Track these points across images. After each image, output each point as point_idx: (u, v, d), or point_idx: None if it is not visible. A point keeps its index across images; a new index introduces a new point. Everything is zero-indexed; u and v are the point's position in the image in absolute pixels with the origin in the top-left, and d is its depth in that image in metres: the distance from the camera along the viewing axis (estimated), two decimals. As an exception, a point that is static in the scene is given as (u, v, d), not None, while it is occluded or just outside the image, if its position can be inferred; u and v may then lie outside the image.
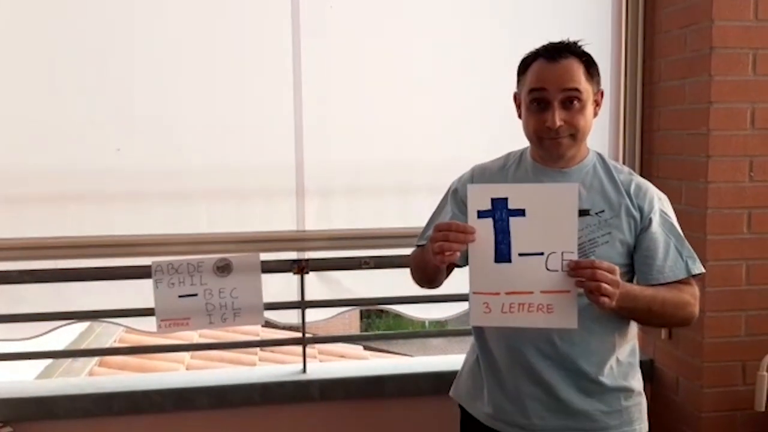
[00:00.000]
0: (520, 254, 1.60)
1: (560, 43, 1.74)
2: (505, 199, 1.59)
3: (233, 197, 2.46)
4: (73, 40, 2.34)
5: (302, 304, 2.53)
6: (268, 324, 2.47)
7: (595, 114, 1.75)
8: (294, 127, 2.46)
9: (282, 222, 2.49)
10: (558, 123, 1.66)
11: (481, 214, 1.60)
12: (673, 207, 2.11)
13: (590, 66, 1.72)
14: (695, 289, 1.75)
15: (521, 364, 1.76)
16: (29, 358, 2.53)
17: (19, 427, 2.32)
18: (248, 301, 2.39)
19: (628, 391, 1.80)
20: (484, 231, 1.60)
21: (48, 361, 3.72)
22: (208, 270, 2.36)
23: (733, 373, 2.38)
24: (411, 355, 4.02)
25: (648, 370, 2.66)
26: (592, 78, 1.72)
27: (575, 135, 1.70)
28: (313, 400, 2.48)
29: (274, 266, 2.45)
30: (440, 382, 2.21)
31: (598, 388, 1.76)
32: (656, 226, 1.73)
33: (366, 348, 5.93)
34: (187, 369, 4.13)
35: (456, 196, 1.86)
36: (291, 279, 2.51)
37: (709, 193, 2.31)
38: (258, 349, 4.81)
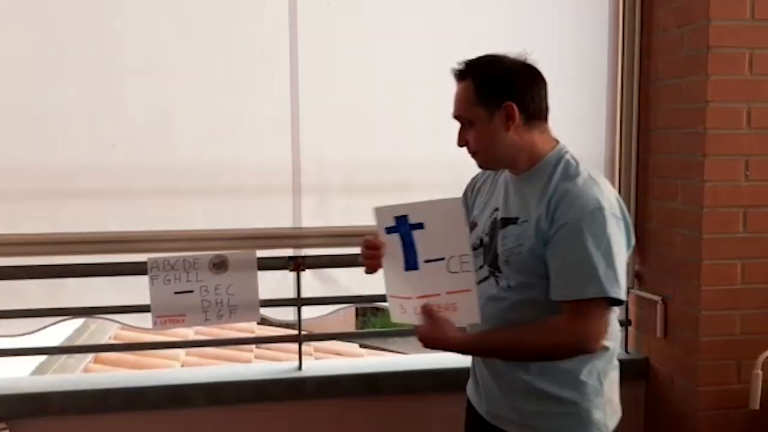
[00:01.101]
0: (425, 261, 1.81)
1: (466, 62, 1.77)
2: (406, 216, 1.83)
3: (230, 194, 2.46)
4: (69, 36, 2.33)
5: (298, 302, 2.53)
6: (264, 321, 2.47)
7: (507, 129, 1.72)
8: (291, 124, 2.46)
9: (278, 219, 2.49)
10: (457, 143, 1.78)
11: (388, 230, 1.85)
12: (669, 205, 2.12)
13: (485, 86, 1.73)
14: (588, 318, 1.63)
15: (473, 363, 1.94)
16: (24, 354, 2.53)
17: (14, 424, 2.31)
18: (244, 298, 2.39)
19: (557, 399, 1.74)
20: (393, 244, 1.84)
21: (42, 358, 3.71)
22: (204, 267, 2.36)
23: (728, 372, 2.38)
24: (406, 353, 4.02)
25: (643, 368, 2.67)
26: (485, 98, 1.72)
27: (477, 153, 1.78)
28: (308, 397, 2.48)
29: (271, 263, 2.45)
30: (435, 379, 2.22)
31: (518, 388, 1.77)
32: (559, 240, 1.65)
33: (362, 346, 5.93)
34: (182, 366, 4.12)
35: (465, 194, 2.01)
36: (287, 276, 2.51)
37: (705, 191, 2.31)
38: (253, 346, 4.81)
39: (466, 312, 1.77)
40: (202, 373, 2.59)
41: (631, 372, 2.68)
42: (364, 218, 2.52)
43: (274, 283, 2.47)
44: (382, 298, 2.57)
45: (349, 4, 2.47)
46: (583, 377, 1.73)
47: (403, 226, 1.83)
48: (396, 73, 2.51)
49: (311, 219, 2.51)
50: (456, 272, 1.78)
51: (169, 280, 2.34)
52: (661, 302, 2.53)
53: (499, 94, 1.72)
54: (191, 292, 2.36)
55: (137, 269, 2.35)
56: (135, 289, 2.37)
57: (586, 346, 1.66)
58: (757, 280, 2.36)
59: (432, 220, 1.80)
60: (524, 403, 1.77)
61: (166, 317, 2.36)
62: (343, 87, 2.48)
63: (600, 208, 1.63)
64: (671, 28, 2.46)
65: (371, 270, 1.86)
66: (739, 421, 2.39)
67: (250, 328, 4.76)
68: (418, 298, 1.82)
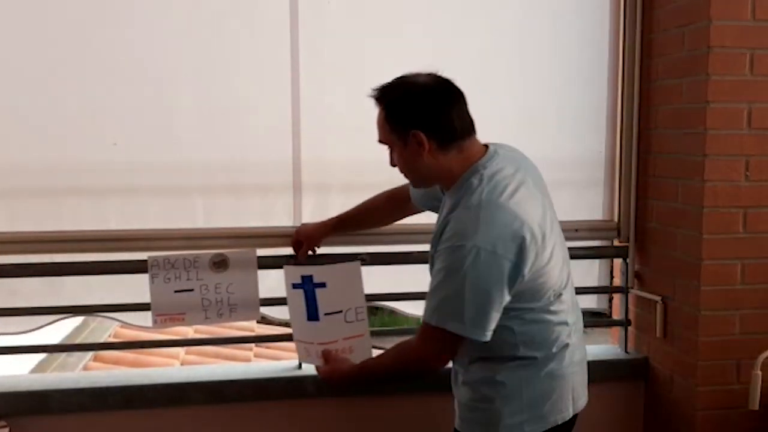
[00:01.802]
0: (325, 314, 2.16)
1: (379, 87, 1.81)
2: (311, 276, 2.16)
3: (230, 192, 2.46)
4: (71, 34, 2.33)
5: (298, 301, 2.53)
6: (264, 320, 2.47)
7: (420, 153, 1.76)
8: (291, 123, 2.46)
9: (279, 218, 2.49)
10: (391, 164, 1.88)
11: (294, 286, 2.19)
12: (669, 205, 2.12)
13: (393, 114, 1.78)
14: (425, 341, 1.79)
15: None
16: (24, 353, 2.52)
17: (14, 422, 2.31)
18: (244, 297, 2.39)
19: (478, 394, 1.87)
20: (298, 298, 2.18)
21: (42, 356, 3.72)
22: (204, 265, 2.36)
23: (727, 372, 2.39)
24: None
25: (643, 368, 2.67)
26: (394, 125, 1.78)
27: (405, 175, 1.89)
28: (308, 396, 2.48)
29: (271, 262, 2.44)
30: (434, 378, 2.20)
31: (459, 380, 1.94)
32: (435, 263, 1.77)
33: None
34: (181, 365, 4.13)
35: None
36: (287, 275, 2.51)
37: (706, 192, 2.31)
38: (253, 344, 4.82)
39: (360, 353, 2.13)
40: (202, 372, 2.60)
41: (631, 372, 2.70)
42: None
43: (275, 282, 2.47)
44: (382, 297, 2.61)
45: (349, 3, 2.47)
46: (500, 378, 1.82)
47: (307, 284, 2.17)
48: (396, 73, 2.51)
49: (311, 218, 2.50)
50: (352, 321, 2.17)
51: (169, 278, 2.34)
52: (660, 302, 2.53)
53: (406, 123, 1.76)
54: (191, 290, 2.36)
55: (137, 267, 2.35)
56: (135, 288, 2.37)
57: (424, 366, 1.83)
58: (757, 281, 2.36)
59: (334, 280, 2.15)
60: (461, 394, 1.93)
61: (166, 315, 2.36)
62: (343, 86, 2.48)
63: (461, 246, 1.66)
64: (672, 28, 2.46)
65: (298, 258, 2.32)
66: (739, 421, 2.40)
67: (250, 327, 4.77)
68: (319, 344, 2.15)
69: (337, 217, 2.33)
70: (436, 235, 1.80)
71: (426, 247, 1.93)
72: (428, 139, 1.75)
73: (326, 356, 2.07)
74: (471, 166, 1.78)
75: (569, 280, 1.91)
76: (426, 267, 1.89)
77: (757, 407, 2.26)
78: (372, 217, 2.37)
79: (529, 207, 1.72)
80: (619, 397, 2.68)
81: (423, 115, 1.75)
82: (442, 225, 1.77)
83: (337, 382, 2.05)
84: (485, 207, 1.69)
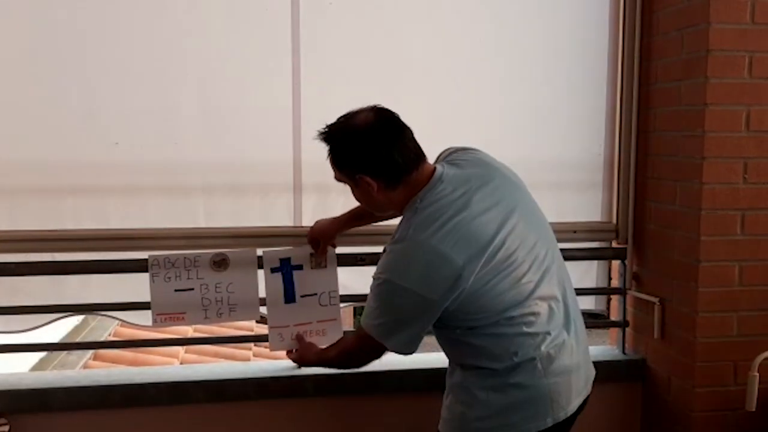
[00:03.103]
0: (302, 296, 2.37)
1: (325, 130, 1.87)
2: (289, 258, 2.37)
3: (231, 192, 2.47)
4: (72, 33, 2.34)
5: (298, 300, 2.54)
6: (263, 319, 2.47)
7: (371, 194, 1.84)
8: (292, 123, 2.47)
9: (279, 218, 2.50)
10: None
11: (273, 270, 2.36)
12: (667, 207, 2.13)
13: (339, 157, 1.86)
14: (358, 346, 1.96)
15: None
16: (24, 351, 2.53)
17: (15, 419, 2.32)
18: (244, 297, 2.40)
19: (455, 396, 1.94)
20: (276, 282, 2.36)
21: (42, 354, 3.72)
22: (204, 264, 2.37)
23: (725, 373, 2.39)
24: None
25: (640, 369, 2.68)
26: (342, 167, 1.87)
27: (365, 207, 2.03)
28: (307, 395, 2.49)
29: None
30: (433, 378, 2.22)
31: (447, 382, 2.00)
32: None
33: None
34: (181, 363, 4.13)
35: None
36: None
37: (704, 193, 2.32)
38: (252, 344, 4.82)
39: (332, 336, 2.37)
40: (202, 370, 2.60)
41: (629, 373, 2.70)
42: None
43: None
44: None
45: (351, 4, 2.48)
46: (469, 384, 1.88)
47: (285, 267, 2.37)
48: (397, 73, 2.52)
49: (311, 217, 2.51)
50: (326, 305, 2.39)
51: (169, 277, 2.35)
52: (658, 303, 2.54)
53: (352, 168, 1.84)
54: (191, 289, 2.37)
55: (138, 266, 2.36)
56: (135, 287, 2.37)
57: (356, 361, 2.04)
58: (755, 282, 2.37)
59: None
60: (444, 396, 1.98)
61: (166, 315, 2.36)
62: (344, 86, 2.48)
63: (381, 280, 1.81)
64: (671, 30, 2.47)
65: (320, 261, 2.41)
66: (736, 422, 2.40)
67: (249, 327, 4.77)
68: (294, 326, 2.37)
69: (349, 211, 2.34)
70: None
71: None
72: (375, 180, 1.82)
73: (299, 339, 2.34)
74: (411, 201, 1.85)
75: (542, 286, 1.84)
76: None
77: (754, 408, 2.27)
78: None
79: (459, 237, 1.74)
80: (617, 398, 2.69)
81: (365, 159, 1.81)
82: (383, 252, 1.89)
83: (305, 364, 2.37)
84: (406, 243, 1.79)
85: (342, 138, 1.84)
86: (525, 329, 1.81)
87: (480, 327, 1.81)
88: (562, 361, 1.84)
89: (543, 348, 1.82)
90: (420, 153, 1.86)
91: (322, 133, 1.87)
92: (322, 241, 2.37)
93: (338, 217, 2.37)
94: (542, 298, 1.83)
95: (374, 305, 1.84)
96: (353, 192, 1.93)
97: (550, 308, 1.84)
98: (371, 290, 1.85)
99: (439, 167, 1.88)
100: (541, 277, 1.83)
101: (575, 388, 1.88)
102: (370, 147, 1.80)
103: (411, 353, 1.87)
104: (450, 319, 1.81)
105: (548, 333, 1.83)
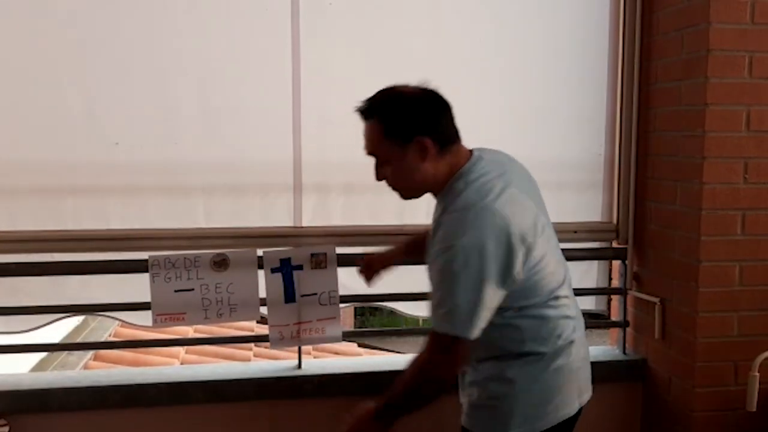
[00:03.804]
0: (302, 295, 2.40)
1: (371, 99, 1.81)
2: (289, 258, 2.39)
3: (231, 192, 2.47)
4: (72, 33, 2.34)
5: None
6: (264, 320, 2.48)
7: (423, 158, 1.77)
8: (292, 123, 2.47)
9: (279, 218, 2.50)
10: (377, 178, 1.86)
11: (273, 270, 2.39)
12: (667, 207, 2.12)
13: (392, 124, 1.77)
14: (432, 349, 1.76)
15: None
16: (24, 351, 2.53)
17: (14, 420, 2.32)
18: (244, 297, 2.40)
19: (487, 391, 1.88)
20: (276, 282, 2.39)
21: (42, 355, 3.72)
22: (204, 265, 2.37)
23: (725, 373, 2.40)
24: (404, 353, 4.03)
25: (641, 369, 2.68)
26: (394, 135, 1.76)
27: (395, 188, 1.87)
28: (307, 395, 2.49)
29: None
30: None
31: (467, 380, 1.96)
32: (428, 272, 1.78)
33: (360, 345, 5.94)
34: (181, 364, 4.13)
35: None
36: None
37: (704, 193, 2.32)
38: (253, 344, 4.82)
39: (331, 334, 2.43)
40: (202, 371, 2.60)
41: (629, 373, 2.70)
42: (364, 218, 2.55)
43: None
44: (382, 297, 2.62)
45: (350, 4, 2.48)
46: (509, 375, 1.83)
47: (285, 267, 2.39)
48: (397, 73, 2.51)
49: (311, 218, 2.52)
50: (325, 305, 2.41)
51: (169, 278, 2.35)
52: (659, 304, 2.54)
53: (409, 131, 1.76)
54: (192, 290, 2.37)
55: (138, 267, 2.36)
56: (136, 287, 2.38)
57: (435, 375, 1.77)
58: (755, 282, 2.37)
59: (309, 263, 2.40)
60: (470, 393, 1.93)
61: (166, 315, 2.37)
62: (344, 86, 2.48)
63: (451, 246, 1.68)
64: (671, 30, 2.47)
65: (367, 281, 2.27)
66: (736, 422, 2.40)
67: (250, 327, 4.77)
68: (294, 324, 2.41)
69: (403, 242, 2.27)
70: (430, 241, 1.82)
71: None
72: (433, 141, 1.77)
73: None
74: (457, 172, 1.81)
75: (566, 278, 1.92)
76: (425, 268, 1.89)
77: (754, 408, 2.27)
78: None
79: (515, 208, 1.73)
80: (618, 398, 2.69)
81: (424, 120, 1.78)
82: (434, 230, 1.81)
83: (367, 425, 1.88)
84: (472, 209, 1.71)
85: (396, 102, 1.79)
86: (566, 312, 1.86)
87: (530, 307, 1.80)
88: (585, 347, 1.94)
89: (576, 333, 1.89)
90: (459, 132, 1.86)
91: (366, 104, 1.81)
92: (378, 266, 2.26)
93: (394, 248, 2.28)
94: (566, 286, 1.90)
95: (442, 288, 1.71)
96: (395, 167, 1.80)
97: (572, 295, 1.93)
98: (437, 272, 1.71)
99: (475, 150, 1.88)
100: (564, 266, 1.92)
101: (589, 374, 1.97)
102: (428, 108, 1.79)
103: (476, 336, 1.72)
104: (506, 298, 1.75)
105: (576, 317, 1.91)
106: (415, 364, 1.81)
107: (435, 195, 1.88)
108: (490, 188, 1.74)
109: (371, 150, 1.83)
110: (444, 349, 1.75)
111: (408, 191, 1.89)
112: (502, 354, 1.85)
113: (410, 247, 2.23)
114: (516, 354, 1.84)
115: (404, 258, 2.25)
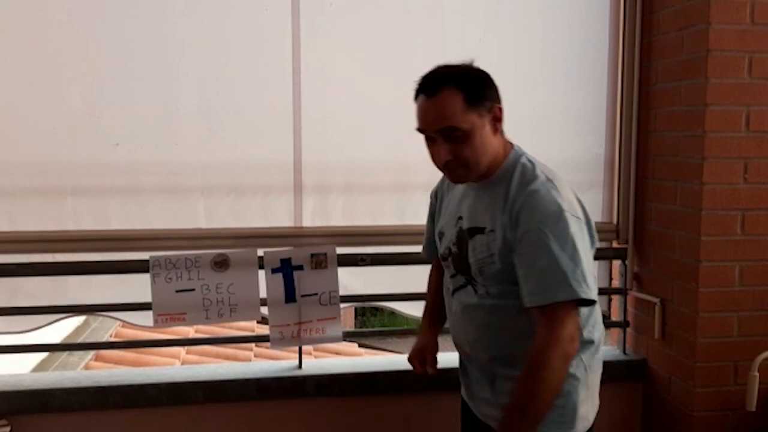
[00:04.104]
0: (302, 296, 2.41)
1: (439, 71, 1.69)
2: (289, 259, 2.41)
3: (231, 193, 2.47)
4: (72, 34, 2.34)
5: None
6: (264, 320, 2.48)
7: (496, 130, 1.69)
8: (292, 124, 2.47)
9: (279, 218, 2.51)
10: (444, 159, 1.67)
11: (273, 271, 2.40)
12: (668, 207, 2.11)
13: (473, 91, 1.65)
14: (564, 322, 1.59)
15: (462, 368, 1.98)
16: (25, 352, 2.53)
17: (15, 420, 2.32)
18: (245, 297, 2.41)
19: None
20: (277, 282, 2.40)
21: (44, 355, 3.73)
22: (205, 265, 2.37)
23: (725, 373, 2.40)
24: (403, 353, 4.03)
25: (641, 369, 2.69)
26: (475, 104, 1.64)
27: (466, 165, 1.68)
28: (308, 395, 2.49)
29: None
30: (433, 379, 2.22)
31: (503, 385, 1.77)
32: (524, 245, 1.63)
33: (360, 345, 5.95)
34: (182, 364, 4.14)
35: (431, 202, 2.05)
36: (288, 275, 2.52)
37: (704, 194, 2.32)
38: (253, 344, 4.82)
39: (331, 334, 2.45)
40: (202, 371, 2.61)
41: (629, 373, 2.71)
42: (364, 218, 2.55)
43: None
44: (382, 297, 2.62)
45: (351, 5, 2.48)
46: (572, 370, 1.70)
47: (286, 267, 2.41)
48: (398, 74, 2.52)
49: (311, 218, 2.52)
50: (326, 305, 2.42)
51: (170, 278, 2.36)
52: (659, 304, 2.54)
53: (486, 98, 1.68)
54: (192, 290, 2.38)
55: (139, 267, 2.37)
56: (137, 287, 2.38)
57: (569, 350, 1.61)
58: (755, 282, 2.37)
59: (310, 264, 2.42)
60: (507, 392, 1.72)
61: (167, 315, 2.37)
62: (345, 87, 2.49)
63: (560, 211, 1.62)
64: (671, 30, 2.47)
65: (432, 369, 1.97)
66: (736, 422, 2.41)
67: (250, 327, 4.78)
68: (295, 324, 2.42)
69: (427, 316, 2.09)
70: (504, 222, 1.67)
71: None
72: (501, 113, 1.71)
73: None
74: (512, 150, 1.76)
75: None
76: (428, 267, 1.87)
77: (754, 408, 2.28)
78: (439, 291, 2.07)
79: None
80: (618, 398, 2.69)
81: (495, 90, 1.71)
82: (515, 209, 1.66)
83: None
84: (555, 181, 1.69)
85: (469, 71, 1.70)
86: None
87: None
88: None
89: None
90: None
91: (438, 76, 1.69)
92: (428, 355, 1.98)
93: (425, 328, 2.07)
94: None
95: (558, 255, 1.58)
96: (474, 138, 1.65)
97: None
98: (547, 245, 1.59)
99: None
100: None
101: None
102: (492, 80, 1.72)
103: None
104: None
105: None
106: (546, 347, 1.59)
107: (482, 176, 1.74)
108: (548, 168, 1.75)
109: (449, 123, 1.63)
110: (573, 319, 1.61)
111: (477, 168, 1.70)
112: None
113: (437, 326, 2.07)
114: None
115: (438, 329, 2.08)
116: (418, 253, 2.15)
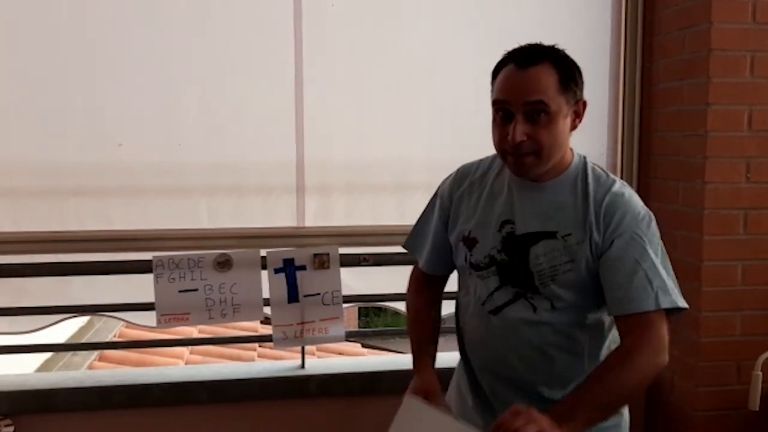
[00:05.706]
0: (305, 296, 2.42)
1: (537, 45, 1.55)
2: (292, 259, 2.42)
3: (234, 193, 2.48)
4: (75, 35, 2.35)
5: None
6: (267, 320, 2.49)
7: (574, 127, 1.56)
8: (295, 124, 2.48)
9: (282, 218, 2.51)
10: (519, 138, 1.49)
11: (276, 271, 2.41)
12: (670, 207, 2.11)
13: (567, 74, 1.52)
14: (661, 330, 1.50)
15: (490, 389, 1.72)
16: (29, 352, 2.55)
17: (19, 420, 2.33)
18: (248, 297, 2.41)
19: None
20: (279, 282, 2.41)
21: (47, 355, 3.74)
22: (208, 265, 2.38)
23: (728, 373, 2.39)
24: (406, 353, 4.04)
25: (644, 369, 2.68)
26: (567, 88, 1.51)
27: (539, 152, 1.51)
28: (311, 395, 2.49)
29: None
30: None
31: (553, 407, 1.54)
32: (618, 250, 1.52)
33: (364, 345, 5.95)
34: (186, 364, 4.14)
35: (442, 203, 1.78)
36: (290, 275, 2.53)
37: (706, 193, 2.32)
38: (256, 344, 4.83)
39: (334, 333, 2.45)
40: (206, 371, 2.61)
41: (632, 372, 2.70)
42: (366, 218, 2.56)
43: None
44: (385, 297, 2.63)
45: (352, 5, 2.48)
46: None
47: (289, 267, 2.42)
48: (399, 74, 2.53)
49: (314, 218, 2.52)
50: (328, 305, 2.43)
51: (173, 278, 2.36)
52: (661, 303, 2.54)
53: (577, 87, 1.54)
54: (195, 290, 2.38)
55: (142, 267, 2.37)
56: (140, 288, 2.39)
57: (664, 359, 1.51)
58: (758, 282, 2.37)
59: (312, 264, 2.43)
60: None
61: (170, 315, 2.38)
62: (347, 87, 2.49)
63: (650, 216, 1.57)
64: (673, 30, 2.47)
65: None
66: (739, 421, 2.40)
67: (254, 327, 4.78)
68: (298, 324, 2.43)
69: (419, 355, 1.85)
70: (590, 224, 1.55)
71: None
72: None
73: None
74: (576, 154, 1.64)
75: None
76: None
77: (757, 408, 2.27)
78: (433, 321, 1.88)
79: None
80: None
81: (583, 84, 1.57)
82: (602, 211, 1.56)
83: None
84: (629, 187, 1.63)
85: (568, 57, 1.56)
86: None
87: None
88: None
89: None
90: None
91: (537, 48, 1.54)
92: (433, 399, 1.74)
93: (423, 367, 1.82)
94: None
95: (654, 261, 1.53)
96: (554, 125, 1.51)
97: None
98: (642, 247, 1.52)
99: None
100: None
101: None
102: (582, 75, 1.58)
103: None
104: None
105: None
106: (639, 352, 1.48)
107: (540, 178, 1.59)
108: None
109: (540, 97, 1.48)
110: (667, 329, 1.52)
111: (549, 158, 1.54)
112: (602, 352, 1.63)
113: (433, 360, 1.84)
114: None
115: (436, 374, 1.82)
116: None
